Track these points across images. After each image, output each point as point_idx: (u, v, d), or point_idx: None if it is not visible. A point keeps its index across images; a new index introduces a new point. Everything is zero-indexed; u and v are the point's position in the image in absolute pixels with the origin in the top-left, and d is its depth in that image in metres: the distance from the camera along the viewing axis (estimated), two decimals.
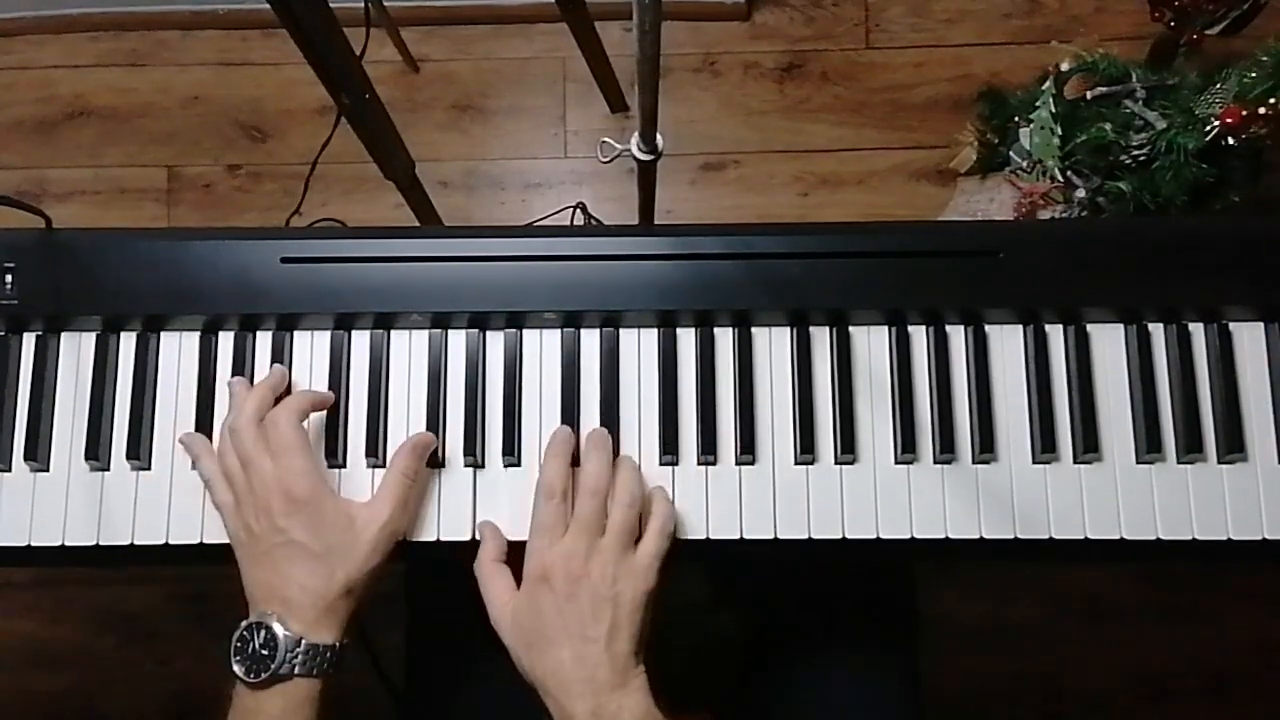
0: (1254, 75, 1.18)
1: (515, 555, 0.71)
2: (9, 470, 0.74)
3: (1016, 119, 1.37)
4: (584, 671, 0.64)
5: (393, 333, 0.76)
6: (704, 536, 0.72)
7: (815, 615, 0.90)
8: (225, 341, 0.76)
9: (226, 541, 0.72)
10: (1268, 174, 1.30)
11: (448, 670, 0.88)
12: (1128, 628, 1.48)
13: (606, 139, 0.81)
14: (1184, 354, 0.73)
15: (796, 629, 0.91)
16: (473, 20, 1.65)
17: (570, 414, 0.74)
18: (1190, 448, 0.72)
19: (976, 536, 0.72)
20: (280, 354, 0.75)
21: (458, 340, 0.76)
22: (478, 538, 0.72)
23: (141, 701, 1.50)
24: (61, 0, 1.63)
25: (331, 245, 0.75)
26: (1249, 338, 0.74)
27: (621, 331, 0.75)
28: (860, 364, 0.74)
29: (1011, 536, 0.72)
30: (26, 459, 0.74)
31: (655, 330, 0.75)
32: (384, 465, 0.73)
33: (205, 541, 0.73)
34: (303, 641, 0.65)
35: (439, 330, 0.75)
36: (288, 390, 0.74)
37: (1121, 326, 0.75)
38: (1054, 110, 1.30)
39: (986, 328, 0.75)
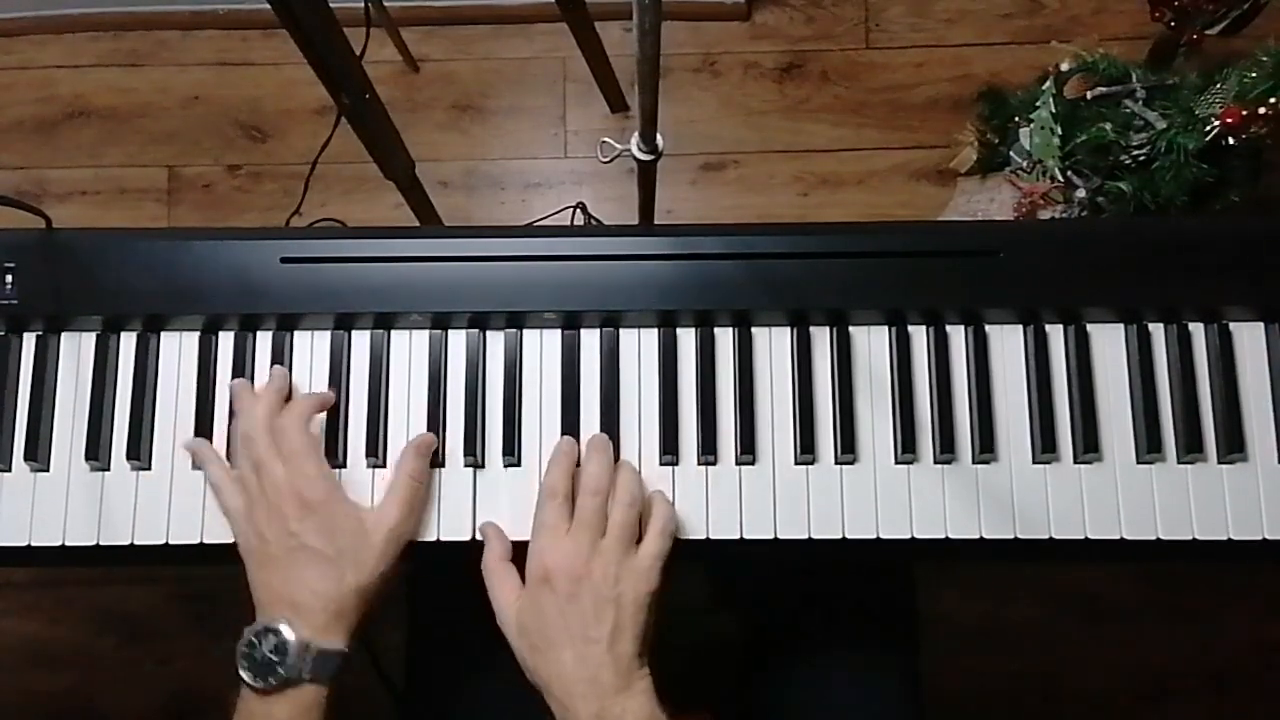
0: (1254, 75, 1.18)
1: (520, 555, 0.71)
2: (9, 470, 0.74)
3: (1016, 119, 1.37)
4: (587, 673, 0.64)
5: (393, 333, 0.76)
6: (704, 536, 0.72)
7: (815, 615, 0.90)
8: (225, 341, 0.76)
9: (227, 541, 0.72)
10: (1268, 174, 1.30)
11: (448, 671, 0.88)
12: (1128, 628, 1.48)
13: (606, 139, 0.81)
14: (1184, 354, 0.73)
15: (796, 629, 0.91)
16: (473, 20, 1.64)
17: (570, 414, 0.74)
18: (1190, 448, 0.72)
19: (976, 536, 0.72)
20: (280, 354, 0.75)
21: (458, 340, 0.76)
22: (479, 537, 0.72)
23: (141, 701, 1.50)
24: (61, 0, 1.63)
25: (331, 245, 0.75)
26: (1249, 338, 0.74)
27: (621, 331, 0.75)
28: (860, 364, 0.74)
29: (1011, 536, 0.72)
30: (26, 459, 0.74)
31: (655, 330, 0.75)
32: (384, 465, 0.73)
33: (205, 541, 0.73)
34: (311, 646, 0.65)
35: (439, 330, 0.75)
36: (289, 392, 0.74)
37: (1121, 326, 0.75)
38: (1054, 110, 1.30)
39: (986, 328, 0.75)
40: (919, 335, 0.75)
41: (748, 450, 0.73)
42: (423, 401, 0.74)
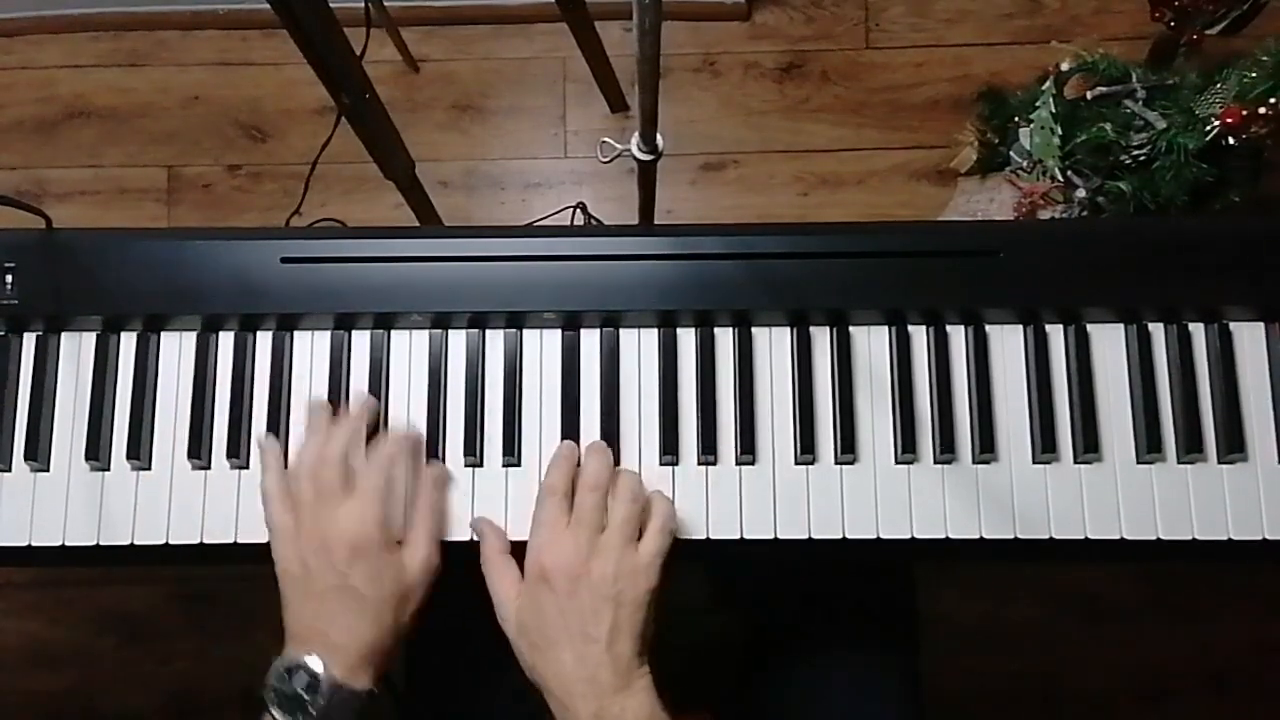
0: (1254, 75, 1.18)
1: (519, 554, 0.70)
2: (9, 470, 0.74)
3: (1016, 119, 1.37)
4: (586, 672, 0.63)
5: (393, 333, 0.76)
6: (704, 536, 0.72)
7: (815, 615, 0.90)
8: (225, 341, 0.76)
9: (227, 541, 0.72)
10: (1268, 174, 1.30)
11: (448, 671, 0.88)
12: (1128, 628, 1.48)
13: (606, 139, 0.81)
14: (1184, 354, 0.73)
15: (796, 629, 0.91)
16: (473, 20, 1.64)
17: (570, 414, 0.74)
18: (1190, 448, 0.72)
19: (976, 536, 0.72)
20: (280, 354, 0.75)
21: (458, 340, 0.76)
22: (476, 537, 0.72)
23: (141, 701, 1.50)
24: (61, 0, 1.63)
25: (331, 245, 0.75)
26: (1249, 338, 0.74)
27: (621, 331, 0.75)
28: (860, 364, 0.74)
29: (1011, 536, 0.72)
30: (26, 459, 0.74)
31: (655, 330, 0.75)
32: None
33: (205, 541, 0.73)
34: (342, 686, 0.64)
35: (439, 330, 0.75)
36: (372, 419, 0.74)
37: (1121, 326, 0.75)
38: (1054, 110, 1.30)
39: (987, 328, 0.75)
40: (919, 335, 0.75)
41: (748, 450, 0.73)
42: (423, 401, 0.74)
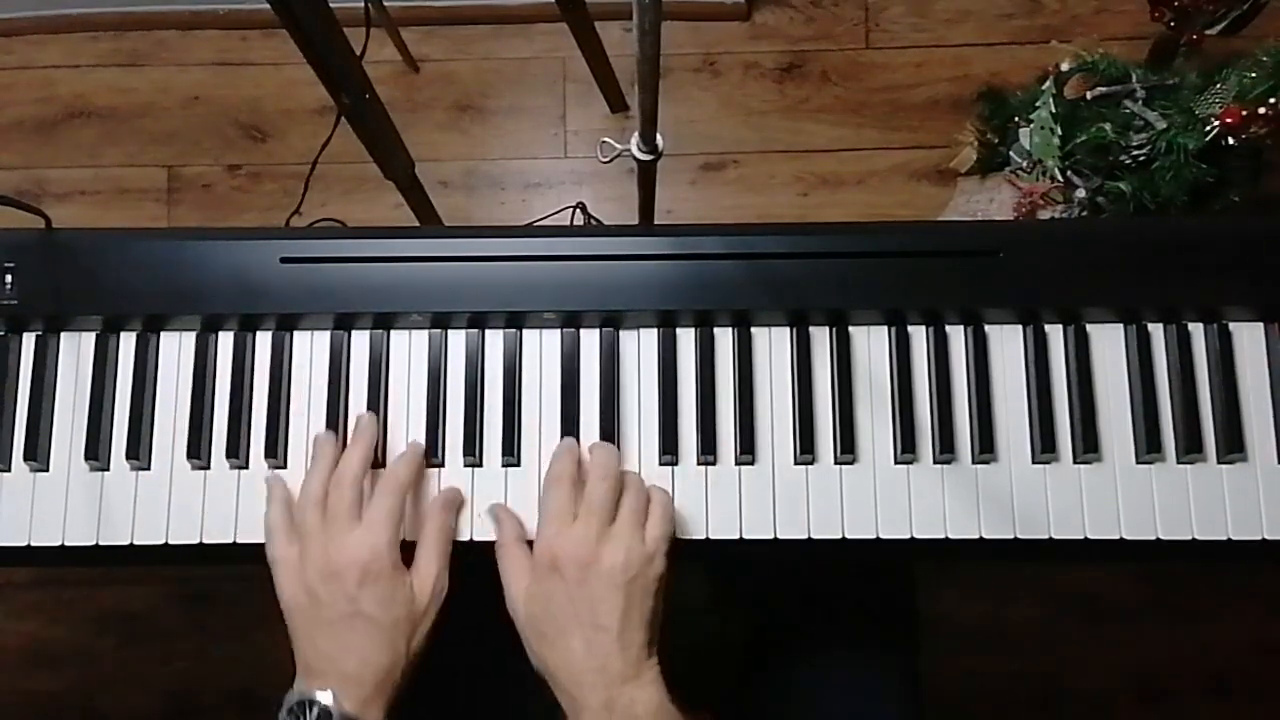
0: (1254, 75, 1.18)
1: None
2: (9, 470, 0.74)
3: (1016, 119, 1.37)
4: (595, 661, 0.63)
5: (393, 333, 0.76)
6: (704, 536, 0.72)
7: (815, 615, 0.90)
8: (225, 341, 0.76)
9: (227, 541, 0.72)
10: (1268, 174, 1.30)
11: (449, 671, 0.88)
12: (1128, 628, 1.48)
13: (606, 139, 0.81)
14: (1184, 354, 0.73)
15: (796, 629, 0.91)
16: (473, 20, 1.64)
17: (570, 414, 0.74)
18: (1190, 448, 0.72)
19: (976, 536, 0.72)
20: (280, 354, 0.75)
21: (458, 340, 0.76)
22: (476, 538, 0.72)
23: (141, 701, 1.50)
24: (61, 0, 1.63)
25: (331, 245, 0.75)
26: (1249, 338, 0.74)
27: (621, 331, 0.75)
28: (860, 364, 0.74)
29: (1011, 536, 0.72)
30: (26, 459, 0.74)
31: (655, 330, 0.75)
32: (384, 465, 0.73)
33: (205, 541, 0.73)
34: None
35: (439, 330, 0.75)
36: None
37: (1121, 326, 0.75)
38: (1054, 110, 1.30)
39: (986, 328, 0.75)
40: (919, 335, 0.75)
41: (747, 450, 0.73)
42: (422, 401, 0.74)
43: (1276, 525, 0.71)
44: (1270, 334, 0.74)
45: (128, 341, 0.76)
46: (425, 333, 0.76)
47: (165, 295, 0.74)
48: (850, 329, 0.75)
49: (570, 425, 0.74)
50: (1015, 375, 0.74)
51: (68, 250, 0.75)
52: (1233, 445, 0.72)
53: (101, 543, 0.73)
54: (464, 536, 0.73)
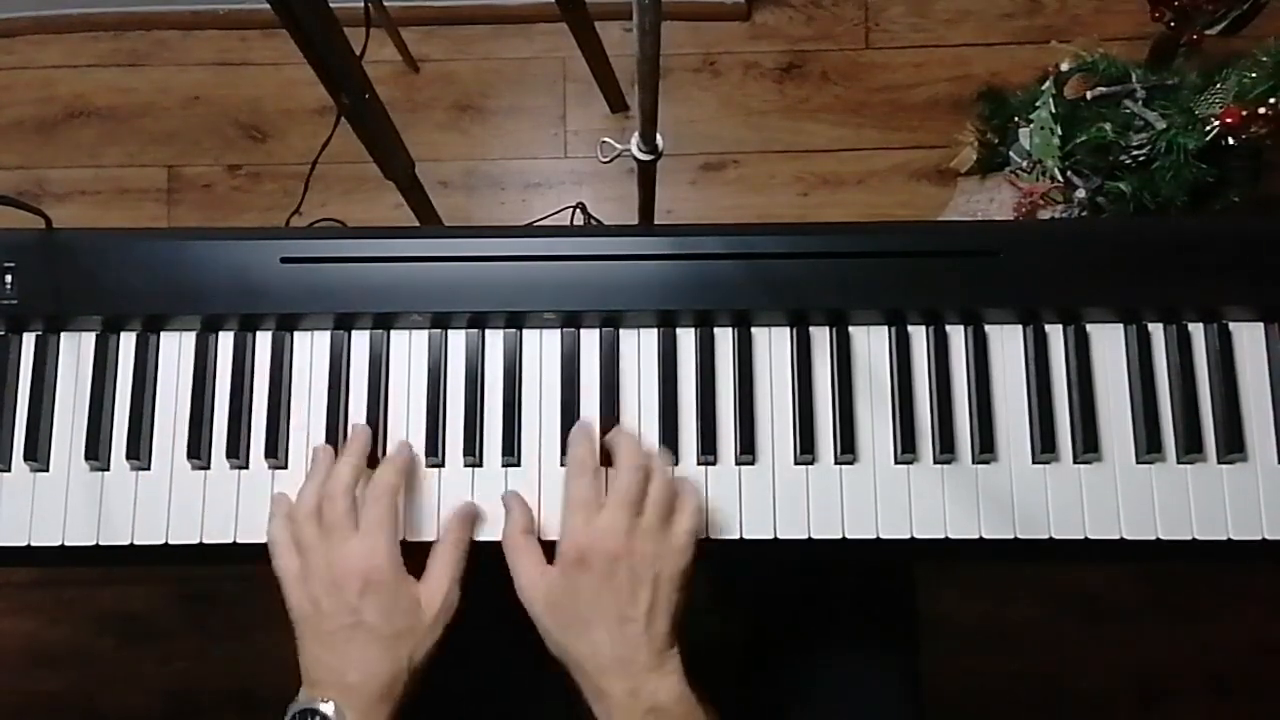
0: (1254, 75, 1.18)
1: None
2: (9, 470, 0.74)
3: (1016, 119, 1.37)
4: (621, 652, 0.64)
5: (393, 333, 0.76)
6: (704, 537, 0.72)
7: (815, 615, 0.90)
8: (225, 341, 0.76)
9: (227, 541, 0.72)
10: (1268, 174, 1.30)
11: (450, 671, 0.88)
12: (1128, 628, 1.48)
13: (606, 139, 0.81)
14: (1184, 354, 0.73)
15: (796, 629, 0.91)
16: (473, 20, 1.64)
17: (570, 414, 0.74)
18: (1190, 448, 0.72)
19: (976, 536, 0.72)
20: (280, 354, 0.75)
21: (458, 340, 0.76)
22: (480, 538, 0.72)
23: (141, 701, 1.50)
24: (62, 0, 1.63)
25: (331, 245, 0.75)
26: (1249, 338, 0.74)
27: (621, 331, 0.75)
28: (860, 364, 0.74)
29: (1011, 536, 0.72)
30: (26, 459, 0.74)
31: (655, 330, 0.75)
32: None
33: (205, 541, 0.73)
34: None
35: (439, 330, 0.75)
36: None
37: (1121, 326, 0.75)
38: (1054, 110, 1.30)
39: (986, 328, 0.75)
40: (919, 335, 0.75)
41: (747, 450, 0.73)
42: (422, 401, 0.74)
43: (1276, 525, 0.71)
44: (1270, 334, 0.74)
45: (128, 341, 0.76)
46: (425, 333, 0.76)
47: (165, 295, 0.74)
48: (850, 329, 0.75)
49: (570, 426, 0.73)
50: (1015, 375, 0.74)
51: (68, 250, 0.75)
52: (1233, 445, 0.72)
53: (101, 543, 0.73)
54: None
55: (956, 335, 0.75)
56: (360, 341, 0.76)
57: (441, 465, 0.74)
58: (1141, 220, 1.23)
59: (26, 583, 1.53)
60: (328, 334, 0.76)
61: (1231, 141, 1.21)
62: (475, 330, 0.75)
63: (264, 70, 1.65)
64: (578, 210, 1.53)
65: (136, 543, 0.73)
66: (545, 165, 1.62)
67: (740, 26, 1.64)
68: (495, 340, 0.76)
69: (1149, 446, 0.72)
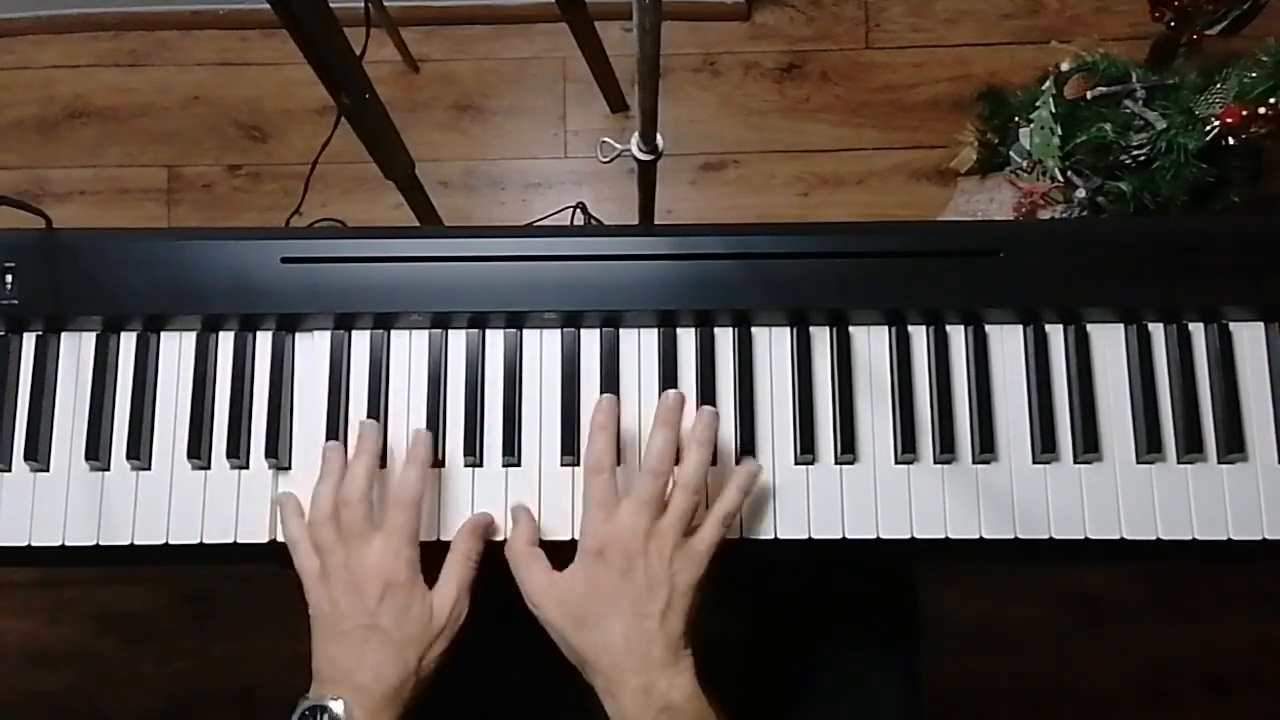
0: (1254, 75, 1.18)
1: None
2: (9, 470, 0.74)
3: (1016, 119, 1.37)
4: (637, 647, 0.64)
5: (393, 333, 0.76)
6: None
7: (815, 615, 0.90)
8: (225, 341, 0.76)
9: (227, 541, 0.72)
10: (1268, 174, 1.30)
11: (457, 673, 0.88)
12: (1128, 628, 1.48)
13: (606, 139, 0.81)
14: (1184, 354, 0.73)
15: (797, 629, 0.91)
16: (473, 20, 1.65)
17: (570, 414, 0.74)
18: (1190, 448, 0.72)
19: (976, 536, 0.72)
20: (280, 354, 0.75)
21: (458, 340, 0.76)
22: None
23: (141, 701, 1.49)
24: (62, 0, 1.63)
25: (331, 245, 0.75)
26: (1249, 338, 0.74)
27: (621, 331, 0.75)
28: (860, 364, 0.74)
29: (1011, 536, 0.72)
30: (26, 459, 0.74)
31: (655, 330, 0.75)
32: (383, 465, 0.73)
33: (205, 541, 0.73)
34: None
35: (439, 330, 0.75)
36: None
37: (1121, 326, 0.75)
38: (1054, 110, 1.30)
39: (986, 328, 0.75)
40: (919, 335, 0.75)
41: (747, 450, 0.73)
42: (422, 401, 0.74)
43: (1276, 525, 0.71)
44: (1270, 334, 0.74)
45: (128, 341, 0.76)
46: (425, 333, 0.76)
47: (165, 295, 0.74)
48: (850, 329, 0.75)
49: (570, 425, 0.74)
50: (1015, 375, 0.74)
51: (68, 250, 0.75)
52: (1233, 445, 0.72)
53: (101, 543, 0.73)
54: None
55: (956, 335, 0.75)
56: (360, 341, 0.76)
57: (442, 465, 0.74)
58: (1141, 220, 1.23)
59: (26, 583, 1.53)
60: (328, 334, 0.76)
61: (1231, 141, 1.21)
62: (475, 330, 0.75)
63: (264, 70, 1.65)
64: (578, 210, 1.53)
65: (136, 543, 0.73)
66: (545, 165, 1.62)
67: (740, 26, 1.64)
68: (495, 340, 0.76)
69: (1149, 446, 0.72)
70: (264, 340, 0.76)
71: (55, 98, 1.66)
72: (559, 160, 1.62)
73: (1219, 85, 1.22)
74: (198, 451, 0.74)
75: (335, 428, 0.74)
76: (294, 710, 0.65)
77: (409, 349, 0.76)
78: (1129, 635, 1.48)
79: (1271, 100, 1.17)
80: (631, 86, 1.53)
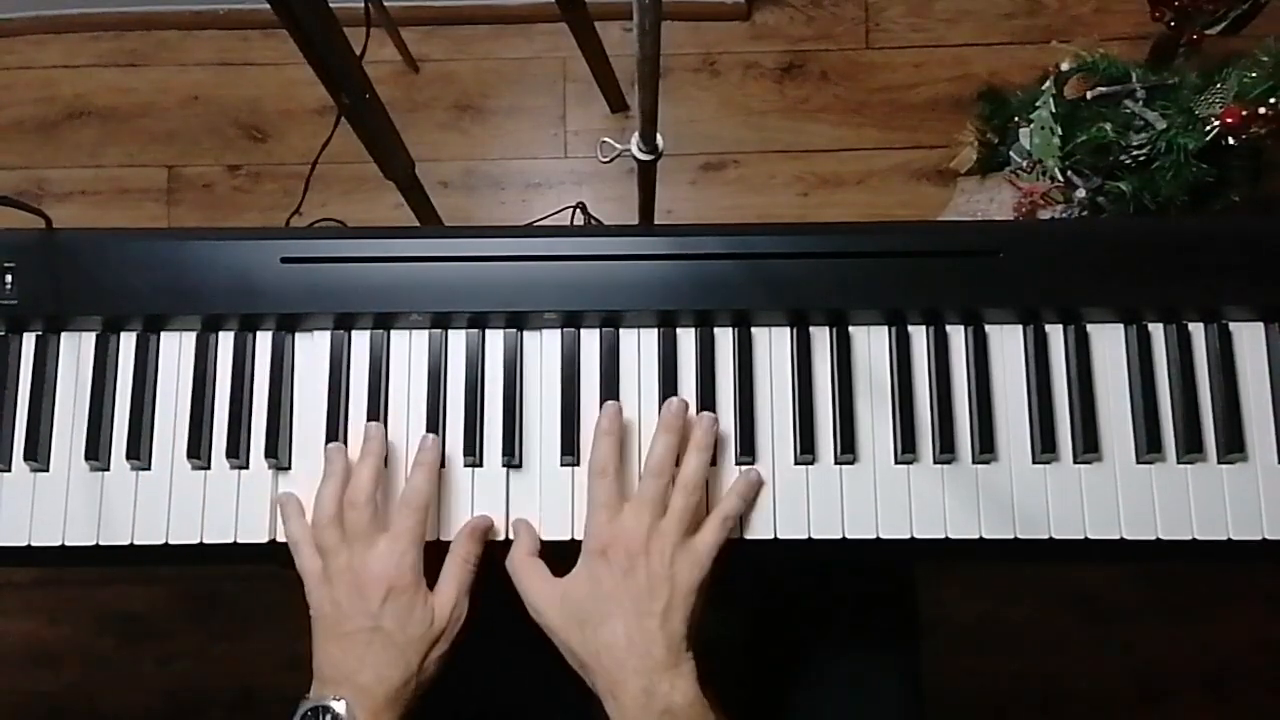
0: (1254, 75, 1.18)
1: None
2: (9, 470, 0.74)
3: (1016, 119, 1.37)
4: (639, 646, 0.64)
5: (393, 333, 0.76)
6: None
7: (815, 615, 0.90)
8: (225, 341, 0.76)
9: (227, 541, 0.72)
10: (1268, 174, 1.30)
11: (457, 676, 0.88)
12: (1128, 628, 1.48)
13: (606, 139, 0.81)
14: (1184, 354, 0.73)
15: (796, 629, 0.91)
16: (473, 20, 1.65)
17: (570, 414, 0.74)
18: (1190, 448, 0.72)
19: (976, 536, 0.72)
20: (280, 354, 0.75)
21: (458, 340, 0.76)
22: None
23: (141, 701, 1.50)
24: (62, 0, 1.63)
25: (331, 245, 0.75)
26: (1249, 338, 0.74)
27: (621, 331, 0.75)
28: (860, 364, 0.74)
29: (1011, 536, 0.72)
30: (26, 459, 0.74)
31: (655, 330, 0.75)
32: (383, 465, 0.73)
33: (205, 541, 0.73)
34: None
35: (439, 330, 0.75)
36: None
37: (1121, 326, 0.75)
38: (1054, 110, 1.30)
39: (986, 328, 0.75)
40: (919, 335, 0.75)
41: (747, 451, 0.73)
42: (422, 401, 0.74)
43: (1276, 525, 0.71)
44: (1270, 334, 0.74)
45: (128, 341, 0.76)
46: (425, 333, 0.76)
47: (165, 295, 0.74)
48: (850, 329, 0.75)
49: (570, 425, 0.74)
50: (1015, 375, 0.74)
51: (68, 250, 0.75)
52: (1233, 445, 0.72)
53: (101, 543, 0.73)
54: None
55: (956, 335, 0.75)
56: (360, 341, 0.76)
57: (441, 466, 0.74)
58: (1141, 220, 1.23)
59: (26, 583, 1.53)
60: (328, 334, 0.76)
61: (1231, 141, 1.21)
62: (475, 330, 0.75)
63: (264, 70, 1.65)
64: (578, 210, 1.53)
65: (136, 543, 0.73)
66: (545, 165, 1.62)
67: (740, 26, 1.64)
68: (495, 340, 0.76)
69: (1149, 446, 0.72)
70: (264, 340, 0.76)
71: (55, 98, 1.66)
72: (559, 160, 1.62)
73: (1219, 85, 1.22)
74: (198, 451, 0.74)
75: (335, 428, 0.74)
76: (296, 710, 0.65)
77: (409, 349, 0.76)
78: (1129, 635, 1.48)
79: (1271, 100, 1.17)
80: (631, 86, 1.53)
